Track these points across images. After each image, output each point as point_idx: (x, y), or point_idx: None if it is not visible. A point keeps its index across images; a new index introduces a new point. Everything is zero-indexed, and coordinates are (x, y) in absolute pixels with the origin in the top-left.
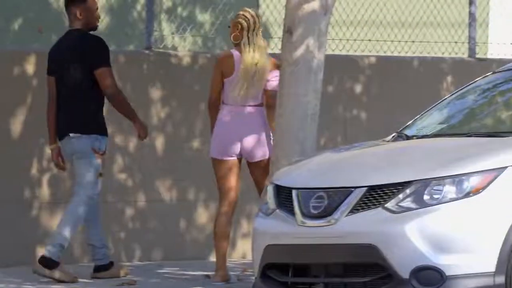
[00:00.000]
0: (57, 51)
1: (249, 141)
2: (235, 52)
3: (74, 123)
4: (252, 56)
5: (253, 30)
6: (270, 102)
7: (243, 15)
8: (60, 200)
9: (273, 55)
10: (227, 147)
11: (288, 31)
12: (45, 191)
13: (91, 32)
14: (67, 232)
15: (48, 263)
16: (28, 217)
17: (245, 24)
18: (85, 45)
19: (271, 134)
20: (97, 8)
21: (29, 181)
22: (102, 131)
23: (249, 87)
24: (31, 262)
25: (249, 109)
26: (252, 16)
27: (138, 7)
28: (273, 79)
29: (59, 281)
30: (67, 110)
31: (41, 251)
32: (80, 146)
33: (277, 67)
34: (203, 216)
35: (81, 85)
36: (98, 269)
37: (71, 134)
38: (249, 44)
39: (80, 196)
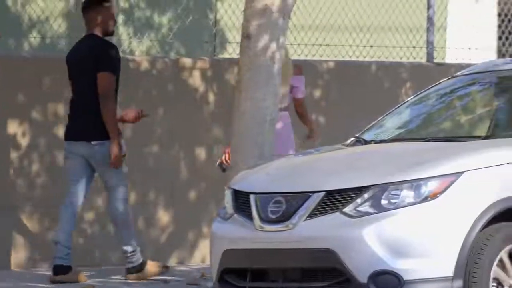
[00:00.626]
0: (71, 56)
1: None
2: None
3: (95, 130)
4: None
5: None
6: (298, 110)
7: None
8: (38, 205)
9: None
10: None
11: (247, 36)
12: (22, 195)
13: (107, 38)
14: (129, 239)
15: (135, 270)
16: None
17: None
18: (95, 50)
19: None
20: (113, 14)
21: (5, 186)
22: (119, 133)
23: None
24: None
25: None
26: None
27: None
28: (297, 85)
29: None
30: (84, 115)
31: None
32: (103, 152)
33: (300, 72)
34: (163, 219)
35: (94, 90)
36: (57, 270)
37: (93, 142)
38: None
39: (116, 202)
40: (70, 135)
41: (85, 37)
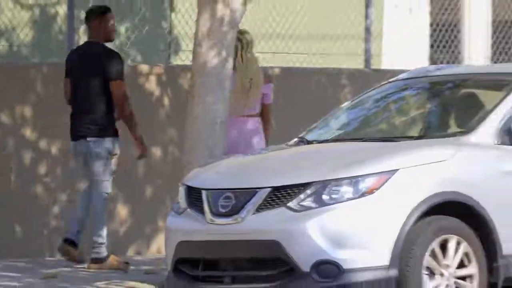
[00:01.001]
0: (73, 58)
1: (242, 148)
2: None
3: (92, 128)
4: (245, 72)
5: (246, 49)
6: (265, 115)
7: (237, 37)
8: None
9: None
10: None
11: (199, 44)
12: None
13: (108, 44)
14: (100, 231)
15: (98, 261)
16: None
17: (238, 44)
18: (101, 57)
19: (263, 143)
20: (113, 22)
21: None
22: (115, 134)
23: (245, 99)
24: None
25: (245, 119)
26: (244, 37)
27: (59, 20)
28: (267, 92)
29: (114, 269)
30: (83, 114)
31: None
32: (96, 149)
33: (269, 80)
34: (122, 214)
35: (95, 92)
36: (66, 241)
37: (88, 138)
38: (242, 62)
39: (96, 195)
40: (73, 136)
41: (89, 44)
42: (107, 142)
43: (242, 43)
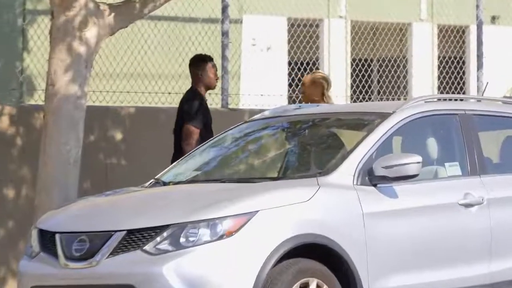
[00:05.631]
0: None
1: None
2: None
3: None
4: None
5: (328, 89)
6: None
7: (323, 78)
8: None
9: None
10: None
11: (51, 83)
12: None
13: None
14: None
15: None
16: None
17: (325, 85)
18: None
19: None
20: (215, 71)
21: None
22: None
23: None
24: None
25: None
26: (326, 79)
27: None
28: None
29: None
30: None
31: None
32: None
33: None
34: None
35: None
36: None
37: None
38: (326, 99)
39: None
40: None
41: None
42: None
43: (328, 83)
